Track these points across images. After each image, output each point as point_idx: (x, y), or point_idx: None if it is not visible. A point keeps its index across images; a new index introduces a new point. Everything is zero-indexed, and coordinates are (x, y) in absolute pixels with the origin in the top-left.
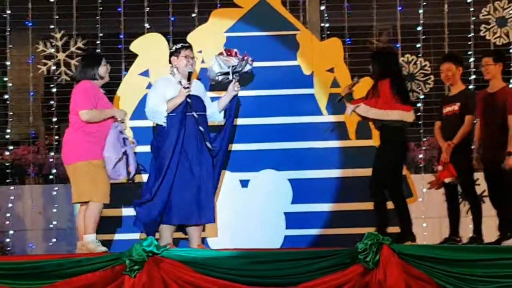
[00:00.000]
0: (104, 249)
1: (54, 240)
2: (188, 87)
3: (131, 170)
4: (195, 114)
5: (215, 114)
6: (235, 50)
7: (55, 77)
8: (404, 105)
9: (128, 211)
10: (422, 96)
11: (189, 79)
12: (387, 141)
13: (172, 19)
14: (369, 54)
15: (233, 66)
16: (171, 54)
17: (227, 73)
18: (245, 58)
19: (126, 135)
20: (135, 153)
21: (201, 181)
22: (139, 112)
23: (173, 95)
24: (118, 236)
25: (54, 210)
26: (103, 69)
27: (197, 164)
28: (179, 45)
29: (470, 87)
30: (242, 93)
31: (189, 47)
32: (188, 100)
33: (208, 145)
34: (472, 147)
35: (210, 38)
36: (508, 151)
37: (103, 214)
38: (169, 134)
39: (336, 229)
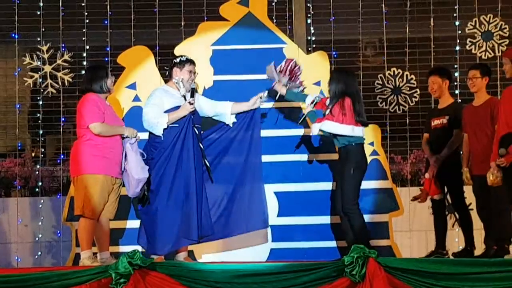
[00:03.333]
0: (98, 264)
1: (39, 253)
2: (193, 103)
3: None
4: (196, 129)
5: (223, 116)
6: (297, 68)
7: (42, 90)
8: (361, 123)
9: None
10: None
11: (192, 94)
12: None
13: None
14: (356, 67)
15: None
16: (174, 65)
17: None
18: (297, 82)
19: (140, 150)
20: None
21: (197, 198)
22: (127, 124)
23: (171, 106)
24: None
25: (40, 223)
26: (110, 81)
27: (193, 182)
28: (184, 58)
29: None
30: None
31: (194, 62)
32: (192, 116)
33: (207, 162)
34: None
35: (197, 51)
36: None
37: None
38: (167, 145)
39: (322, 242)
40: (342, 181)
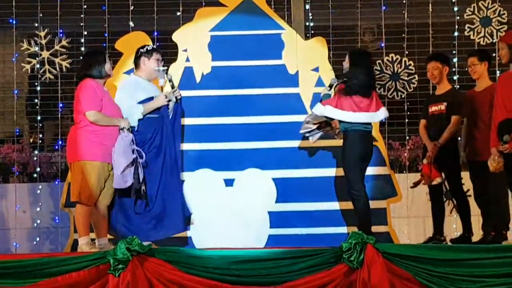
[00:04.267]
0: (97, 250)
1: (38, 239)
2: (167, 96)
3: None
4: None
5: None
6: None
7: (40, 75)
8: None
9: None
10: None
11: (172, 85)
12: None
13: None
14: None
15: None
16: (141, 55)
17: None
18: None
19: (135, 146)
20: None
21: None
22: None
23: (146, 97)
24: None
25: (38, 209)
26: (108, 66)
27: (169, 169)
28: (150, 47)
29: (454, 86)
30: (228, 92)
31: (160, 51)
32: (168, 106)
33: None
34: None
35: (195, 37)
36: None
37: None
38: (145, 136)
39: (321, 228)
40: (344, 167)
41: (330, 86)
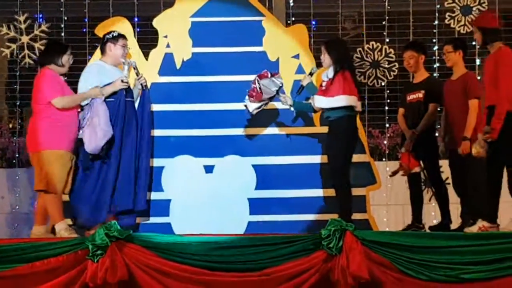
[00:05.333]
0: (75, 236)
1: (16, 224)
2: (125, 81)
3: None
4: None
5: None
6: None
7: (19, 60)
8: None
9: None
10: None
11: (137, 72)
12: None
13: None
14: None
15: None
16: (107, 41)
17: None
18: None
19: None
20: None
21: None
22: None
23: (107, 82)
24: None
25: (17, 195)
26: (66, 58)
27: (128, 155)
28: (116, 33)
29: (434, 75)
30: (208, 78)
31: (126, 37)
32: (125, 91)
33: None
34: (437, 134)
35: (175, 23)
36: (463, 136)
37: None
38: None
39: (300, 215)
40: (334, 153)
41: (311, 74)
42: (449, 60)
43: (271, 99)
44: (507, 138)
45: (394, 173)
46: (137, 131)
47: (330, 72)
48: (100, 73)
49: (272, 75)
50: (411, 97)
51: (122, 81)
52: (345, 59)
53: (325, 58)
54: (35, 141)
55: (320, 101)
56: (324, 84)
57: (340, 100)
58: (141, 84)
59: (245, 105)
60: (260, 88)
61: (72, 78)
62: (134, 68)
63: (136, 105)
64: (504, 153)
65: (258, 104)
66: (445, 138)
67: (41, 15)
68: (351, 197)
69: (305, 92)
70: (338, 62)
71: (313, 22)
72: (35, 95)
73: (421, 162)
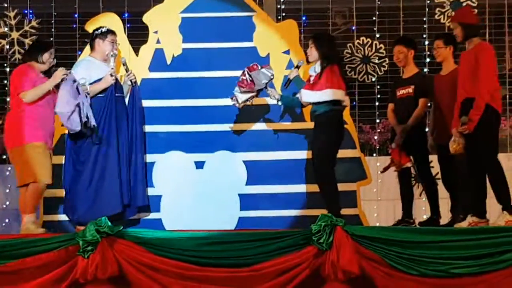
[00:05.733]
0: (43, 230)
1: (7, 220)
2: (114, 75)
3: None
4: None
5: None
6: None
7: (9, 56)
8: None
9: None
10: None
11: (126, 68)
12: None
13: None
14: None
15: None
16: (96, 36)
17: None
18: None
19: (79, 85)
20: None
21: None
22: None
23: (98, 77)
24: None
25: (7, 191)
26: (46, 56)
27: (127, 150)
28: (105, 29)
29: (425, 70)
30: (199, 74)
31: (115, 33)
32: (115, 87)
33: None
34: (427, 129)
35: (165, 19)
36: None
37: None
38: (95, 116)
39: (290, 210)
40: (321, 147)
41: (297, 67)
42: (439, 55)
43: (258, 92)
44: (485, 131)
45: (385, 169)
46: (128, 127)
47: (317, 67)
48: (89, 68)
49: (262, 67)
50: (400, 92)
51: (111, 75)
52: (333, 53)
53: (312, 52)
54: (12, 136)
55: (307, 95)
56: (312, 78)
57: (328, 94)
58: (131, 81)
59: (233, 98)
60: (251, 79)
61: None
62: (123, 65)
63: (126, 101)
64: (483, 146)
65: (247, 96)
66: (433, 133)
67: (31, 11)
68: (337, 191)
69: (293, 86)
70: (326, 57)
71: (304, 18)
72: (11, 90)
73: (411, 157)
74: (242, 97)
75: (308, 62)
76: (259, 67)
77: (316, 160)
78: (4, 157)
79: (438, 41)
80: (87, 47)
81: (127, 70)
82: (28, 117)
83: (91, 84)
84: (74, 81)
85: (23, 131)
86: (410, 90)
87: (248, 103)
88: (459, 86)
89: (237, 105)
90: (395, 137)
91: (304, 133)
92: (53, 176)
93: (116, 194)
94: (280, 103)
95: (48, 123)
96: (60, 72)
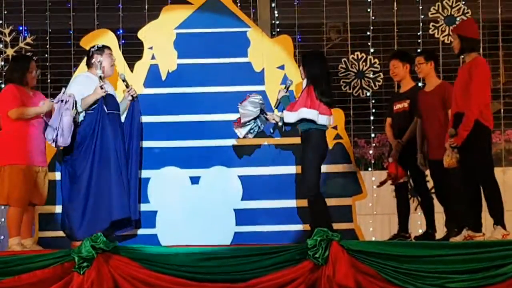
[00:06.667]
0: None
1: (2, 237)
2: (103, 88)
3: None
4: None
5: None
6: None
7: (4, 73)
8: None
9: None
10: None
11: (127, 85)
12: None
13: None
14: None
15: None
16: (93, 53)
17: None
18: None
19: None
20: None
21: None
22: None
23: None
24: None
25: (2, 207)
26: (32, 75)
27: (123, 164)
28: (100, 44)
29: (420, 84)
30: (194, 90)
31: (110, 48)
32: (104, 101)
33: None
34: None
35: (160, 35)
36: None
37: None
38: (86, 133)
39: (286, 225)
40: (302, 166)
41: (287, 88)
42: (421, 72)
43: (255, 119)
44: (475, 146)
45: (382, 183)
46: (124, 142)
47: (304, 84)
48: (84, 84)
49: (248, 97)
50: (397, 106)
51: (101, 87)
52: (319, 72)
53: (301, 70)
54: None
55: (287, 117)
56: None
57: (302, 113)
58: (132, 96)
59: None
60: (240, 114)
61: (56, 90)
62: (123, 81)
63: (124, 117)
64: (476, 161)
65: (245, 129)
66: (422, 149)
67: (26, 28)
68: (325, 207)
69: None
70: (309, 77)
71: (298, 33)
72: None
73: (408, 171)
74: (241, 132)
75: (302, 78)
76: (249, 97)
77: (302, 176)
78: None
79: (419, 57)
80: (82, 64)
81: (127, 86)
82: (13, 138)
83: (83, 99)
84: (62, 101)
85: (5, 153)
86: (406, 104)
87: (252, 132)
88: (452, 99)
89: (248, 136)
90: (391, 152)
91: (298, 148)
92: (48, 194)
93: (110, 208)
94: (280, 123)
95: (36, 142)
96: (47, 105)
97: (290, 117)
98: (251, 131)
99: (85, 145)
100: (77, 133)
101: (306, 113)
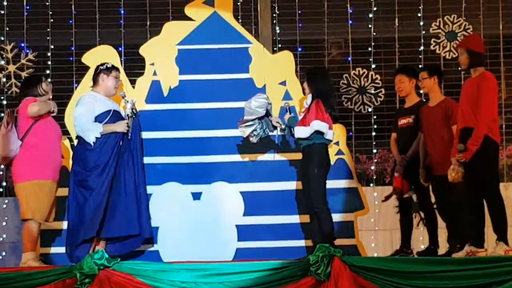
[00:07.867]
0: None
1: (4, 253)
2: (129, 125)
3: None
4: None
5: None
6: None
7: (6, 90)
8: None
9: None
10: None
11: (134, 113)
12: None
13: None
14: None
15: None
16: (100, 72)
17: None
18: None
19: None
20: None
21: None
22: None
23: (102, 111)
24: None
25: (4, 224)
26: (45, 85)
27: (132, 182)
28: (109, 65)
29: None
30: (196, 106)
31: (118, 69)
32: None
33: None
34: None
35: (162, 51)
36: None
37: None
38: (98, 155)
39: (288, 241)
40: (307, 181)
41: (289, 111)
42: (425, 87)
43: (260, 120)
44: (483, 161)
45: (387, 198)
46: (133, 159)
47: (309, 100)
48: (92, 103)
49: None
50: (402, 121)
51: (127, 125)
52: (324, 88)
53: (305, 86)
54: (20, 171)
55: (299, 132)
56: (303, 110)
57: (314, 126)
58: (133, 113)
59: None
60: (245, 110)
61: (59, 106)
62: (123, 97)
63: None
64: (482, 176)
65: (248, 129)
66: (424, 165)
67: (27, 44)
68: (332, 222)
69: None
70: (316, 92)
71: (300, 49)
72: (19, 125)
73: (412, 187)
74: (244, 132)
75: (304, 94)
76: (255, 96)
77: (305, 191)
78: (1, 190)
79: (423, 72)
80: (84, 80)
81: (134, 113)
82: (36, 154)
83: (96, 117)
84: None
85: (26, 169)
86: (410, 119)
87: (255, 132)
88: (459, 114)
89: (252, 139)
90: (396, 167)
91: (299, 164)
92: (56, 211)
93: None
94: (286, 131)
95: (53, 158)
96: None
97: (303, 132)
98: (255, 132)
99: (97, 165)
100: (89, 152)
101: (319, 125)
